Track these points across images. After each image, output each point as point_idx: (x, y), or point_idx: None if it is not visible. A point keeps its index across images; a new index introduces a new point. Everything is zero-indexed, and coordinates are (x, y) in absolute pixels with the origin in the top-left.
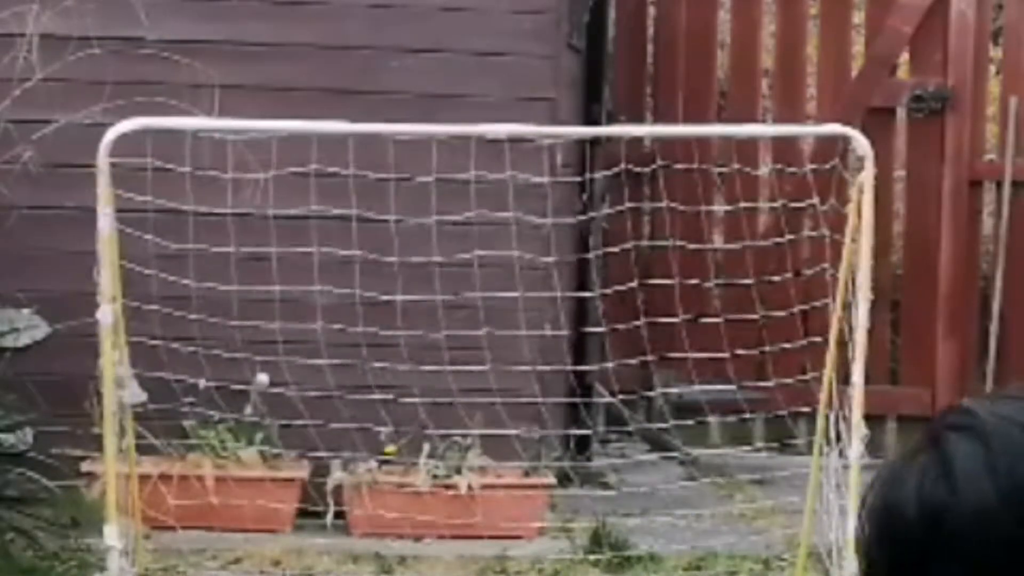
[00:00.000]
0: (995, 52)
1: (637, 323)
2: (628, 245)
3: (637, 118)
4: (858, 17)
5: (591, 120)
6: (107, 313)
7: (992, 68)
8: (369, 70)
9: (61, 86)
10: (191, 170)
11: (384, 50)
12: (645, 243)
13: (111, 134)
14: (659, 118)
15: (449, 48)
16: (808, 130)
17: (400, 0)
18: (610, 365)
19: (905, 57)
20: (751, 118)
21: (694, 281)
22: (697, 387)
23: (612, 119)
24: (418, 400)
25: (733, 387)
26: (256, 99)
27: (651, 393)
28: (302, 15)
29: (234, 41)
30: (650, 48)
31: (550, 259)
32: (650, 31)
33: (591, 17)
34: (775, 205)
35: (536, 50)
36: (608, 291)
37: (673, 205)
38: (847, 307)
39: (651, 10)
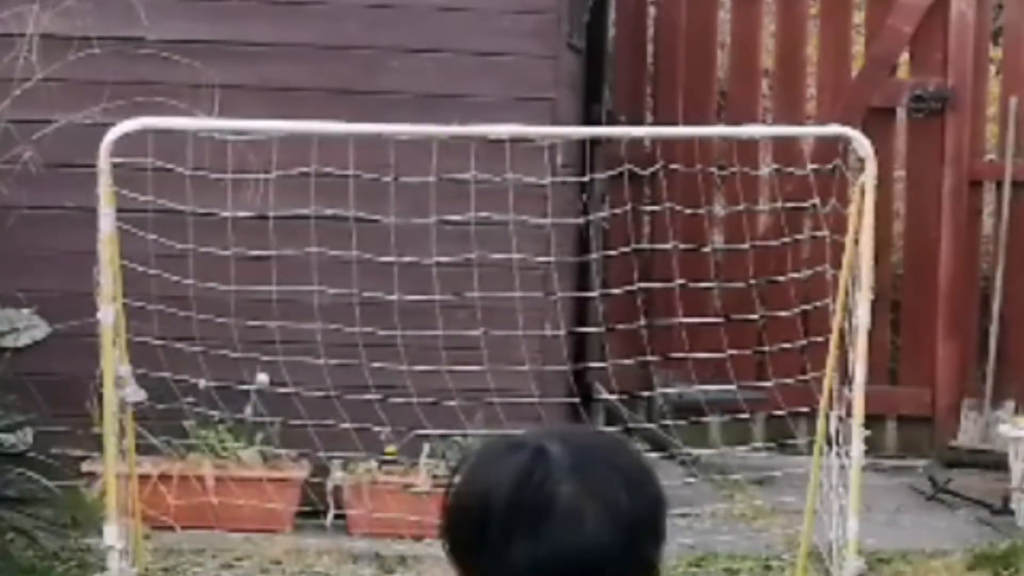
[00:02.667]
0: (995, 52)
1: (637, 323)
2: (628, 246)
3: (637, 118)
4: (858, 17)
5: (591, 120)
6: (108, 313)
7: (992, 68)
8: (369, 70)
9: (61, 86)
10: (192, 170)
11: (384, 50)
12: (645, 243)
13: (112, 134)
14: (659, 118)
15: (449, 48)
16: (809, 130)
17: (400, 0)
18: (610, 365)
19: (905, 57)
20: (751, 118)
21: (694, 282)
22: (697, 387)
23: (612, 119)
24: (417, 400)
25: (733, 387)
26: (256, 99)
27: (651, 393)
28: (302, 15)
29: (234, 41)
30: (650, 48)
31: (550, 259)
32: (650, 31)
33: (591, 17)
34: (776, 206)
35: (536, 50)
36: (608, 291)
37: (673, 206)
38: (847, 307)
39: (651, 10)
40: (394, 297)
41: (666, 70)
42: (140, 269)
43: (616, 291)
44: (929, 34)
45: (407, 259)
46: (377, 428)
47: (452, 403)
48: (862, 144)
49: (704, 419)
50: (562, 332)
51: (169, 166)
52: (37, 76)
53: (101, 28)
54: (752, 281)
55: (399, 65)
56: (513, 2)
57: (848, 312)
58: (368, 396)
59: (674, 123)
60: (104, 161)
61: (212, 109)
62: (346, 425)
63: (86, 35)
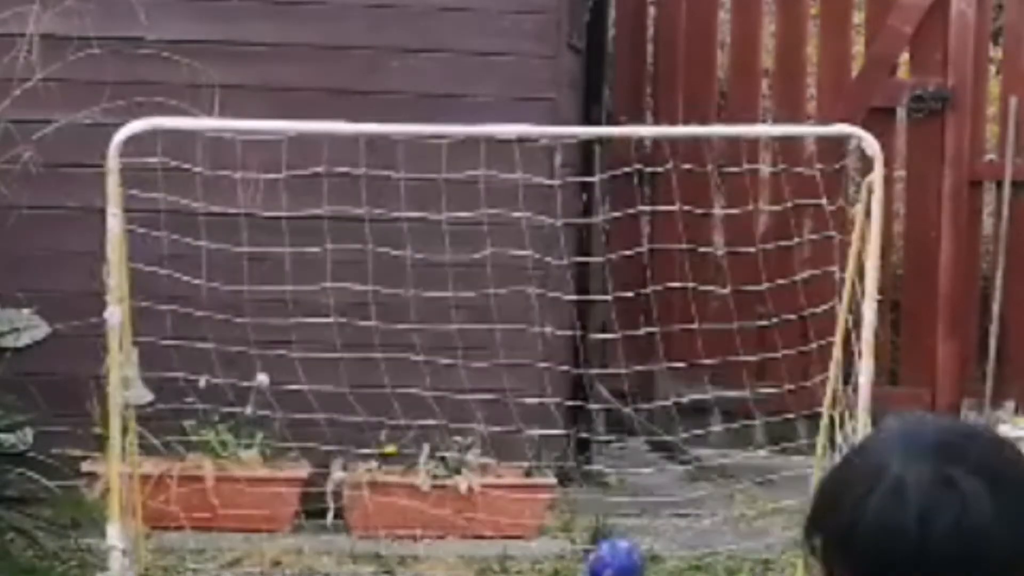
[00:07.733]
0: (995, 52)
1: (638, 324)
2: (629, 247)
3: (637, 118)
4: (858, 17)
5: (591, 120)
6: (114, 313)
7: (992, 68)
8: (369, 70)
9: (61, 86)
10: (197, 170)
11: (384, 50)
12: (646, 244)
13: (122, 134)
14: (659, 118)
15: (449, 48)
16: (815, 130)
17: (400, 0)
18: (611, 366)
19: (905, 57)
20: (751, 118)
21: (695, 282)
22: (699, 388)
23: (612, 119)
24: (420, 400)
25: (735, 388)
26: (256, 99)
27: (652, 394)
28: (302, 15)
29: (234, 41)
30: (650, 48)
31: (551, 259)
32: (650, 31)
33: (591, 17)
34: (776, 206)
35: (536, 50)
36: (609, 292)
37: (673, 206)
38: (852, 308)
39: (651, 10)
40: (396, 297)
41: (666, 70)
42: (145, 269)
43: (617, 292)
44: (929, 34)
45: (409, 259)
46: (377, 427)
47: (454, 403)
48: (869, 143)
49: (706, 420)
50: (563, 332)
51: (173, 165)
52: (37, 76)
53: (101, 28)
54: (754, 282)
55: (399, 65)
56: (513, 2)
57: (852, 312)
58: (370, 396)
59: (674, 123)
60: (113, 161)
61: (212, 109)
62: (347, 423)
63: (86, 35)
